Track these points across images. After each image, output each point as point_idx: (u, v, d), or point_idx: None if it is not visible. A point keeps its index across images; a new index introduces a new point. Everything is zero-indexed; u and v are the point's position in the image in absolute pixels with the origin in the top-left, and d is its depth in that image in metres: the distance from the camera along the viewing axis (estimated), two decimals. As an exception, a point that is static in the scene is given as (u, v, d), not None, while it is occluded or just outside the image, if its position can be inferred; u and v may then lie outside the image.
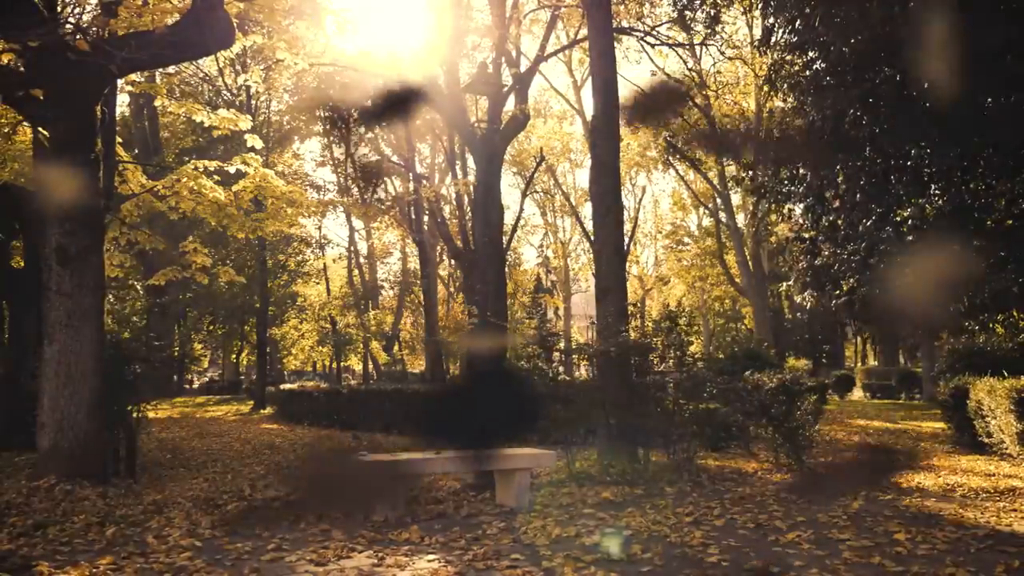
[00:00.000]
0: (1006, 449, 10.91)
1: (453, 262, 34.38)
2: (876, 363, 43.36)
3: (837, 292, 9.72)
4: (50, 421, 8.21)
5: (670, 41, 24.18)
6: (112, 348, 9.59)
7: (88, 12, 12.50)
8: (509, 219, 34.96)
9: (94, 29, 7.98)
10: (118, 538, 6.08)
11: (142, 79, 22.62)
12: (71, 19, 12.35)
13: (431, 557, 5.52)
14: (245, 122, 12.63)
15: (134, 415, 9.67)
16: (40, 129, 7.43)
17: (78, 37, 7.57)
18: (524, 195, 30.57)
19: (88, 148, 8.37)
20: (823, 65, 8.76)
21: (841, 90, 8.71)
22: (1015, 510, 7.19)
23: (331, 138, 37.57)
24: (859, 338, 48.59)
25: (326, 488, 7.66)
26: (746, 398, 10.49)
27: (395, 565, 5.32)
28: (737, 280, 34.61)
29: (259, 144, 13.20)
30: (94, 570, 5.14)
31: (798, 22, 8.48)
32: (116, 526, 6.45)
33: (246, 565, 5.30)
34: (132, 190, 13.88)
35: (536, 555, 5.56)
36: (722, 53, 25.57)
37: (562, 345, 9.86)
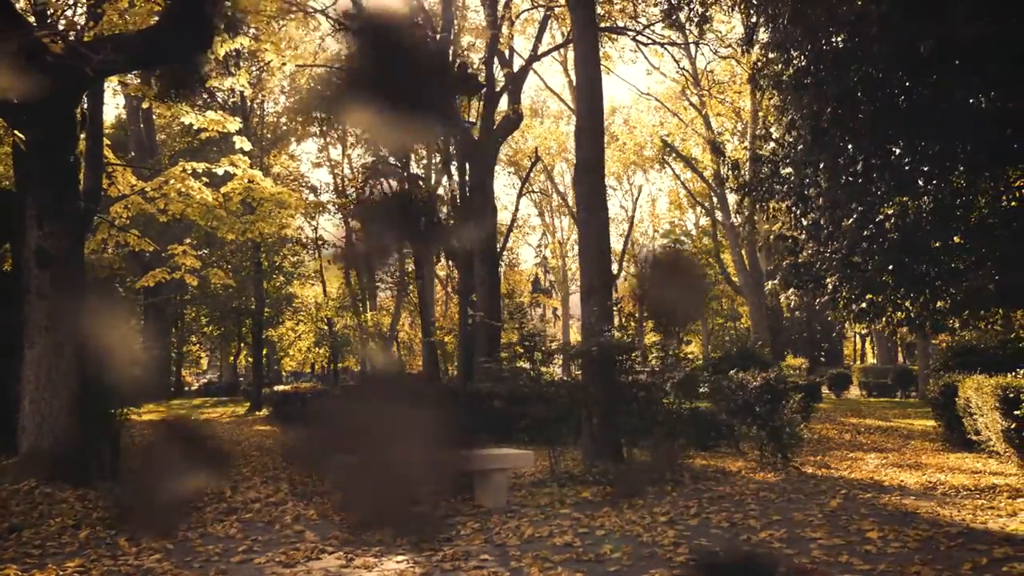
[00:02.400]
0: (993, 447, 10.89)
1: (450, 262, 34.38)
2: (875, 361, 43.32)
3: (820, 291, 9.72)
4: (30, 424, 8.22)
5: (663, 40, 24.07)
6: (94, 350, 9.57)
7: (79, 16, 12.49)
8: (506, 219, 35.04)
9: (71, 32, 7.98)
10: (91, 540, 6.09)
11: (138, 80, 22.43)
12: (58, 22, 12.37)
13: (400, 558, 5.52)
14: (233, 124, 12.62)
15: (117, 417, 9.68)
16: (16, 132, 7.42)
17: (55, 40, 7.57)
18: (520, 195, 30.54)
19: (67, 151, 8.37)
20: (803, 63, 8.76)
21: (823, 88, 8.70)
22: (992, 508, 7.17)
23: (327, 139, 37.66)
24: (858, 336, 48.57)
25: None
26: (731, 397, 10.48)
27: (363, 566, 5.33)
28: (734, 279, 34.57)
29: (248, 146, 13.22)
30: (61, 572, 5.15)
31: (779, 21, 8.48)
32: (91, 528, 6.46)
33: (213, 567, 5.30)
34: (121, 192, 13.90)
35: (505, 555, 5.56)
36: (715, 52, 25.51)
37: (545, 345, 9.84)
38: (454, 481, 8.32)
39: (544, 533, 6.25)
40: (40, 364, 8.29)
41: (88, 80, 8.05)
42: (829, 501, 7.51)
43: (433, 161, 35.49)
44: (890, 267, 9.13)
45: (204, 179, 13.83)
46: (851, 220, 9.09)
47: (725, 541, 5.91)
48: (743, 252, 31.69)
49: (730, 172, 11.31)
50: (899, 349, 43.38)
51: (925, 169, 8.60)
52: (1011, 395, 9.49)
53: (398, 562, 5.43)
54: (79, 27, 8.54)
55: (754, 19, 9.73)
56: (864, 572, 5.02)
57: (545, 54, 24.06)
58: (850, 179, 8.97)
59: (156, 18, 8.34)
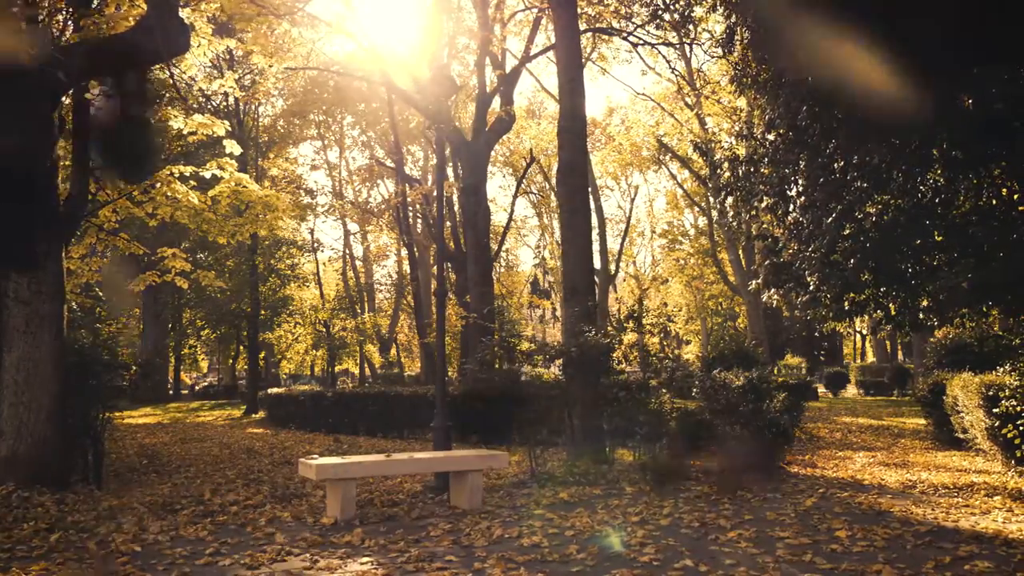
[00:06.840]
0: (979, 444, 10.87)
1: (447, 264, 34.34)
2: (874, 360, 43.24)
3: (800, 290, 9.69)
4: (9, 428, 8.23)
5: (655, 41, 24.05)
6: (76, 355, 9.58)
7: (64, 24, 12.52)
8: (503, 220, 34.98)
9: (44, 38, 7.99)
10: (60, 544, 6.08)
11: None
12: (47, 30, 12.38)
13: (365, 560, 5.52)
14: (221, 127, 12.62)
15: (100, 421, 9.68)
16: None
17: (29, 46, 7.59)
18: (515, 196, 30.53)
19: (44, 155, 8.38)
20: (780, 62, 8.74)
21: (799, 86, 8.69)
22: (967, 506, 7.16)
23: (324, 141, 37.73)
24: (858, 335, 48.45)
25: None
26: (714, 397, 10.45)
27: (326, 568, 5.32)
28: (731, 279, 34.55)
29: (238, 150, 13.21)
30: (24, 576, 5.16)
31: (748, 20, 8.47)
32: (63, 532, 6.46)
33: (177, 569, 5.30)
34: (110, 196, 13.90)
35: (471, 556, 5.56)
36: (706, 53, 25.48)
37: (524, 346, 9.83)
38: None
39: (514, 534, 6.24)
40: (19, 368, 8.30)
41: (63, 85, 8.07)
42: (804, 500, 7.50)
43: (431, 163, 35.53)
44: (870, 265, 9.10)
45: (193, 182, 13.83)
46: (830, 219, 9.05)
47: (692, 541, 5.90)
48: (740, 252, 31.67)
49: (711, 172, 11.28)
50: (898, 348, 43.30)
51: (903, 167, 8.57)
52: (992, 393, 9.47)
53: (362, 564, 5.43)
54: (55, 33, 8.54)
55: (732, 19, 9.70)
56: (826, 571, 5.01)
57: (538, 55, 24.02)
58: (829, 177, 8.95)
59: (128, 23, 8.34)
